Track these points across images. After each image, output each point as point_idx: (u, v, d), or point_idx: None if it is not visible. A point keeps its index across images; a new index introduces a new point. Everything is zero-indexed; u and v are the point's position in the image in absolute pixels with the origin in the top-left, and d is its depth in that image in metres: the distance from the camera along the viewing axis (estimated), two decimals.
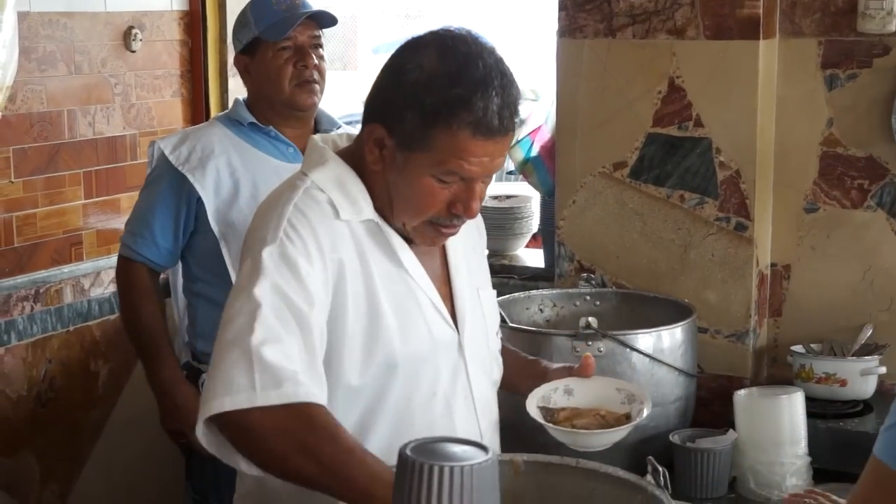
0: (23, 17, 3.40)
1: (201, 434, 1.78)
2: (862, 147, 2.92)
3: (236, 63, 3.04)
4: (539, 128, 3.31)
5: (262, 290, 1.81)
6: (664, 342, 2.65)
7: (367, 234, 1.97)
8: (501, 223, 3.78)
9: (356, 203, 1.96)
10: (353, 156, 2.00)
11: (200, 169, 2.91)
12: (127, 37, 3.78)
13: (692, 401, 2.75)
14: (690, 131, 2.94)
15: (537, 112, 3.32)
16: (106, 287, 3.72)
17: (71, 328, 3.64)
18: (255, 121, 2.97)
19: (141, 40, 3.81)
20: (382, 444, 1.92)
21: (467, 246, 2.14)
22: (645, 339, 2.62)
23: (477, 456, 1.44)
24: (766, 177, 2.97)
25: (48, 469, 3.60)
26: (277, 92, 2.94)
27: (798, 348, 2.88)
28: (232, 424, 1.75)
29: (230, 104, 3.87)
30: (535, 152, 3.34)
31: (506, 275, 3.60)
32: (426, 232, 1.96)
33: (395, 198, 1.94)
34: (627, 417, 2.15)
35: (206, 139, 2.98)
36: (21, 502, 3.52)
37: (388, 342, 1.95)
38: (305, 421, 1.74)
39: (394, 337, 1.96)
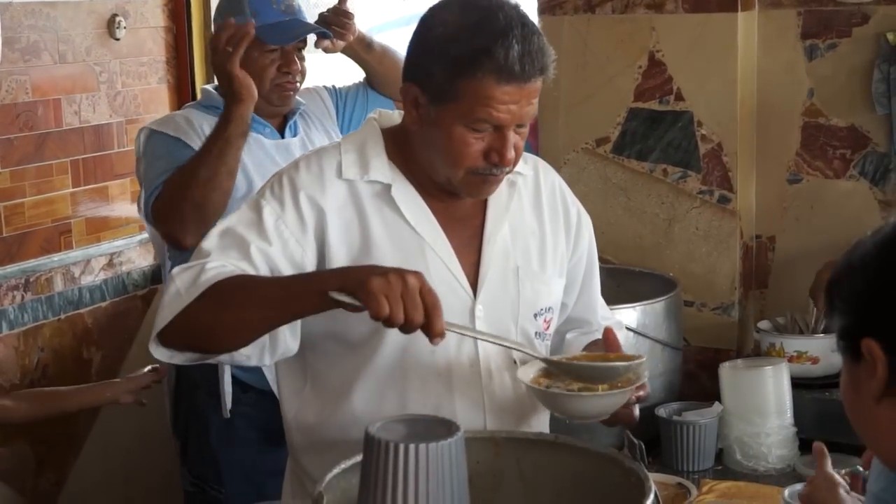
0: (5, 7, 3.40)
1: (156, 351, 1.91)
2: (843, 117, 2.92)
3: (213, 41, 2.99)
4: None
5: (214, 230, 1.97)
6: (648, 316, 2.66)
7: (372, 195, 2.03)
8: None
9: (366, 165, 2.04)
10: (398, 126, 2.09)
11: (191, 135, 2.89)
12: (111, 24, 3.78)
13: (678, 374, 2.77)
14: (672, 105, 2.95)
15: None
16: (96, 275, 3.74)
17: (62, 316, 3.64)
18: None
19: (125, 28, 3.81)
20: (373, 392, 1.99)
21: (526, 228, 2.15)
22: (629, 314, 2.63)
23: (443, 434, 1.45)
24: (749, 149, 2.97)
25: (43, 457, 3.62)
26: (257, 86, 2.88)
27: (764, 324, 2.87)
28: (178, 331, 1.89)
29: None
30: None
31: None
32: (472, 182, 2.00)
33: (434, 153, 2.01)
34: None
35: (187, 118, 2.97)
36: (17, 490, 3.53)
37: None
38: (228, 284, 1.86)
39: None
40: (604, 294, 2.86)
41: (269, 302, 1.86)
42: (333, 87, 3.23)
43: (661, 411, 2.61)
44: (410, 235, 2.04)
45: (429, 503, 1.41)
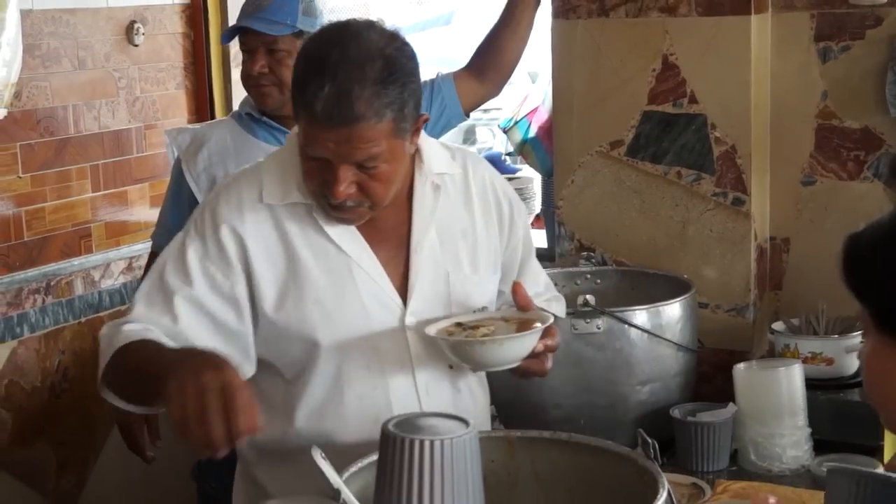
0: (26, 14, 3.43)
1: (107, 395, 2.00)
2: (857, 118, 2.93)
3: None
4: (536, 109, 3.33)
5: (151, 274, 2.05)
6: (663, 318, 2.67)
7: (293, 217, 2.06)
8: None
9: (287, 187, 2.06)
10: None
11: (193, 156, 2.98)
12: (129, 31, 3.82)
13: (692, 375, 2.78)
14: (685, 108, 2.96)
15: (535, 93, 3.33)
16: (116, 279, 3.77)
17: (83, 319, 3.68)
18: (251, 111, 3.02)
19: (143, 34, 3.85)
20: (312, 409, 2.04)
21: (455, 230, 2.16)
22: (643, 315, 2.64)
23: (457, 430, 1.47)
24: (763, 151, 2.98)
25: (64, 458, 3.65)
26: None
27: (778, 325, 2.88)
28: (109, 385, 1.99)
29: (233, 94, 3.91)
30: (532, 133, 3.36)
31: None
32: (327, 211, 2.03)
33: None
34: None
35: (207, 130, 3.05)
36: (38, 492, 3.57)
37: (308, 318, 2.04)
38: (128, 353, 1.93)
39: (313, 313, 2.04)
40: (618, 296, 2.90)
41: (144, 380, 1.86)
42: None
43: (676, 412, 2.62)
44: (336, 254, 2.06)
45: (444, 498, 1.43)
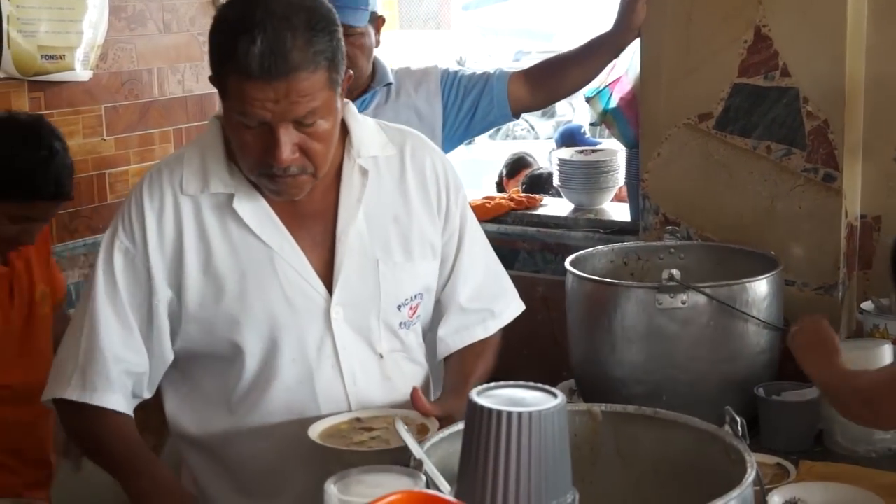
0: None
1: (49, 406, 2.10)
2: None
3: None
4: (619, 79, 3.28)
5: (94, 288, 2.03)
6: (749, 294, 2.61)
7: (214, 207, 2.03)
8: (587, 177, 3.76)
9: (206, 177, 2.03)
10: None
11: None
12: None
13: (777, 354, 2.72)
14: (777, 81, 2.89)
15: (620, 63, 3.28)
16: None
17: None
18: None
19: None
20: (241, 404, 2.04)
21: (386, 215, 2.12)
22: (729, 292, 2.59)
23: (546, 401, 1.44)
24: (856, 126, 2.91)
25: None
26: None
27: (867, 305, 2.81)
28: (57, 406, 2.08)
29: None
30: (614, 103, 3.30)
31: (591, 229, 3.59)
32: (264, 183, 1.99)
33: (235, 150, 2.00)
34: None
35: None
36: None
37: (229, 313, 2.03)
38: (100, 426, 2.03)
39: (233, 308, 2.02)
40: (702, 271, 2.85)
41: (114, 470, 2.05)
42: (449, 69, 3.28)
43: (761, 391, 2.57)
44: (257, 245, 2.03)
45: (532, 470, 1.41)
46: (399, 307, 2.14)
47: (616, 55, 3.14)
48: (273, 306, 2.04)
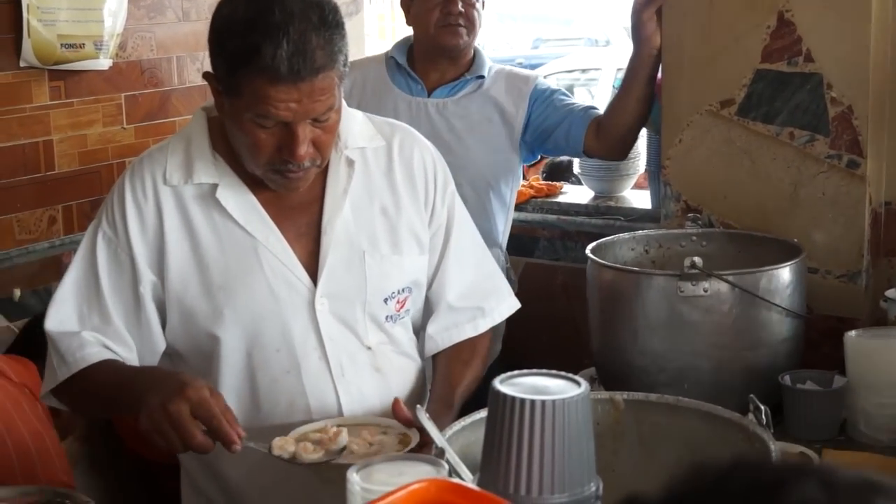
0: None
1: (50, 401, 2.11)
2: None
3: (402, 3, 3.30)
4: None
5: (69, 275, 2.05)
6: (771, 282, 2.59)
7: (198, 197, 2.03)
8: (607, 164, 3.74)
9: (190, 167, 2.03)
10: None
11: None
12: None
13: (801, 342, 2.70)
14: (800, 67, 2.86)
15: None
16: None
17: None
18: (393, 55, 3.25)
19: None
20: (227, 396, 1.99)
21: (373, 207, 2.11)
22: (751, 279, 2.57)
23: (569, 390, 1.43)
24: (881, 112, 2.88)
25: None
26: (424, 33, 3.21)
27: (892, 292, 2.79)
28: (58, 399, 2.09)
29: None
30: None
31: (612, 216, 3.57)
32: (273, 179, 1.98)
33: (238, 146, 1.98)
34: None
35: (357, 64, 3.18)
36: None
37: (213, 304, 2.02)
38: (91, 381, 1.99)
39: (217, 299, 2.02)
40: (724, 259, 2.83)
41: (108, 402, 2.02)
42: (549, 86, 3.35)
43: (787, 378, 2.55)
44: (242, 235, 2.02)
45: (556, 458, 1.40)
46: (386, 300, 2.12)
47: (648, 71, 3.09)
48: (257, 296, 2.03)
